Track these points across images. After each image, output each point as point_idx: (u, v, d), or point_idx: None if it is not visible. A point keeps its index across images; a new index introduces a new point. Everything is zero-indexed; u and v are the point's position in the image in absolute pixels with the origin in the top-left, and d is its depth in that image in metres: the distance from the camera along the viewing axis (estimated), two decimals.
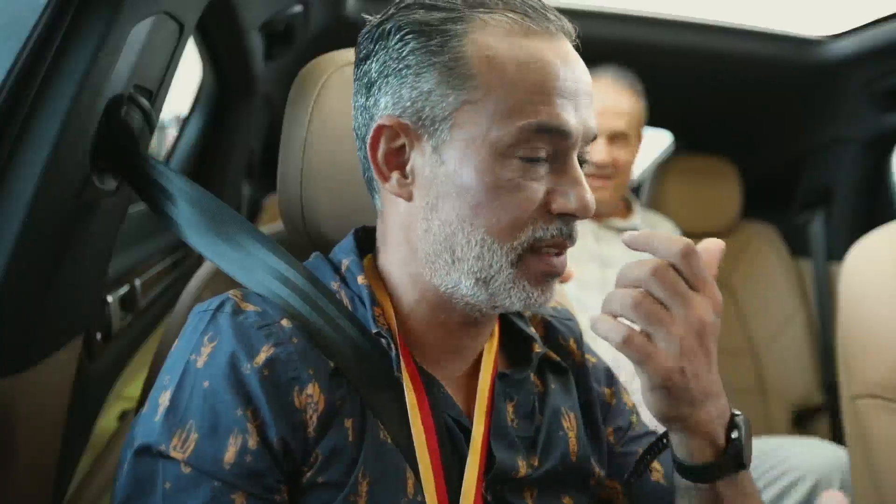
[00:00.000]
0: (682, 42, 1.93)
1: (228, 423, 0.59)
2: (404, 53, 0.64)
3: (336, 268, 0.72)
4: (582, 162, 0.67)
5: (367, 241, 0.74)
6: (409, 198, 0.66)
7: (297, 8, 1.51)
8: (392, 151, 0.66)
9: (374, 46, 0.66)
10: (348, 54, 0.86)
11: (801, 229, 2.25)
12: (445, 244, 0.64)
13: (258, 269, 0.71)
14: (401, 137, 0.65)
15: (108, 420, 1.24)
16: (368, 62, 0.67)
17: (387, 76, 0.65)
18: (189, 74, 1.57)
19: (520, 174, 0.62)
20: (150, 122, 0.87)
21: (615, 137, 1.69)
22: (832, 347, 1.87)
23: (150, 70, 0.89)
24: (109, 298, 1.06)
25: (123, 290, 1.13)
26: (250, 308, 0.64)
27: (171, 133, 1.78)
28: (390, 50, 0.65)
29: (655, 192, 2.32)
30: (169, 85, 0.97)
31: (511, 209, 0.63)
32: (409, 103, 0.64)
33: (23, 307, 0.75)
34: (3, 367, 0.74)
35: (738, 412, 0.64)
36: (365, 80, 0.67)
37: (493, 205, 0.62)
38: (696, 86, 2.15)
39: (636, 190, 2.66)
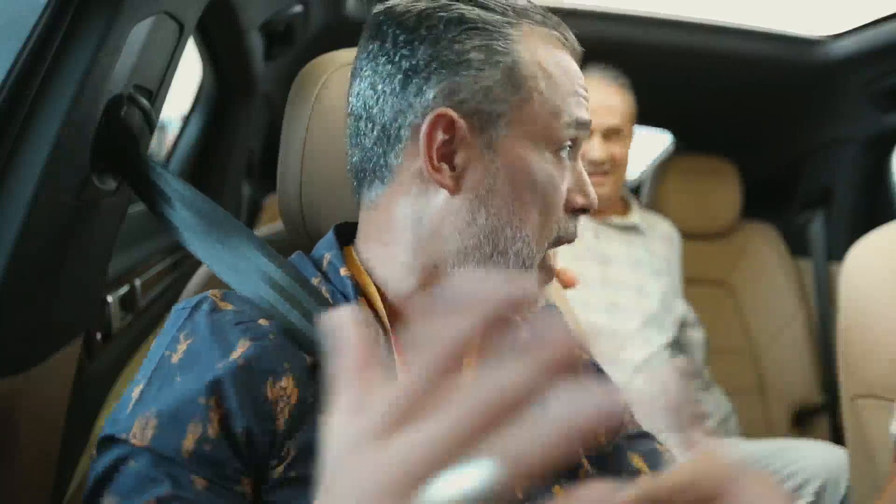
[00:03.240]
0: (683, 42, 1.93)
1: (190, 412, 0.59)
2: (466, 48, 0.65)
3: (317, 264, 0.72)
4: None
5: (347, 236, 0.74)
6: (455, 190, 0.66)
7: (297, 8, 1.51)
8: (443, 142, 0.66)
9: (423, 33, 0.65)
10: (348, 54, 0.86)
11: (801, 229, 2.25)
12: (490, 237, 0.66)
13: (248, 272, 0.71)
14: (452, 129, 0.65)
15: None
16: (409, 48, 0.65)
17: (440, 67, 0.65)
18: (189, 74, 1.57)
19: (564, 170, 0.68)
20: (150, 122, 0.87)
21: (610, 133, 1.70)
22: (832, 347, 1.87)
23: (150, 70, 0.89)
24: (109, 298, 1.06)
25: (123, 290, 1.13)
26: (228, 307, 0.65)
27: (172, 133, 1.78)
28: (446, 41, 0.65)
29: (655, 192, 2.32)
30: (169, 85, 0.97)
31: (553, 206, 0.67)
32: (466, 96, 0.65)
33: (23, 307, 0.75)
34: (3, 367, 0.74)
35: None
36: (404, 65, 0.66)
37: (544, 201, 0.66)
38: (696, 86, 2.15)
39: (636, 190, 2.65)
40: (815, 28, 1.91)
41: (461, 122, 0.65)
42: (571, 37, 0.71)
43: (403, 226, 0.68)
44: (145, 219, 1.30)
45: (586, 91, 0.70)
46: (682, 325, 1.89)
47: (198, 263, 0.85)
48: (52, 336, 0.83)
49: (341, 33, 1.19)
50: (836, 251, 2.05)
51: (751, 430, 1.99)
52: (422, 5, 0.67)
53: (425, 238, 0.68)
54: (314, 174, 0.82)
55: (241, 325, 0.63)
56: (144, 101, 0.86)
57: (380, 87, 0.67)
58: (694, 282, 2.10)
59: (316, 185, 0.83)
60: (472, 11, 0.66)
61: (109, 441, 0.60)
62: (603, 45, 1.88)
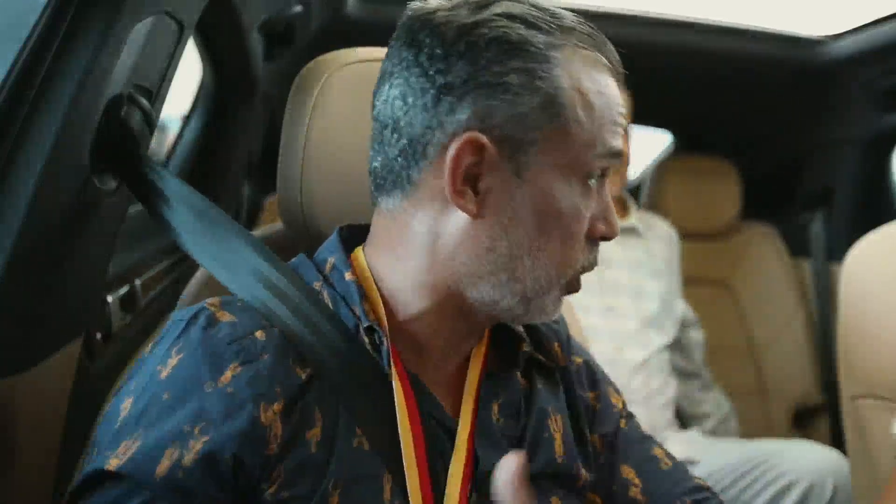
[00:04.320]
0: (683, 42, 1.93)
1: (171, 436, 0.58)
2: (505, 70, 0.62)
3: (319, 267, 0.71)
4: None
5: (351, 239, 0.73)
6: (477, 215, 0.64)
7: (297, 8, 1.51)
8: (467, 166, 0.63)
9: (461, 49, 0.62)
10: (348, 54, 0.86)
11: (801, 229, 2.25)
12: (508, 265, 0.64)
13: (244, 273, 0.71)
14: (482, 153, 0.63)
15: None
16: (445, 63, 0.63)
17: (476, 88, 0.62)
18: (189, 74, 1.57)
19: (590, 200, 0.66)
20: (150, 121, 0.87)
21: None
22: (832, 347, 1.87)
23: (150, 70, 0.89)
24: (109, 298, 1.06)
25: (123, 290, 1.13)
26: (226, 319, 0.63)
27: (172, 133, 1.78)
28: (485, 61, 0.62)
29: (655, 192, 2.32)
30: (169, 85, 0.97)
31: (577, 237, 0.66)
32: (500, 121, 0.62)
33: (23, 307, 0.75)
34: (3, 367, 0.74)
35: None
36: (439, 81, 0.63)
37: (568, 233, 0.65)
38: (696, 86, 2.15)
39: (636, 190, 2.66)
40: (815, 28, 1.91)
41: (491, 147, 0.62)
42: (616, 58, 0.68)
43: (420, 242, 0.66)
44: (145, 219, 1.30)
45: (624, 118, 0.68)
46: (683, 326, 1.89)
47: (198, 264, 0.85)
48: (52, 336, 0.83)
49: (341, 33, 1.19)
50: (836, 251, 2.05)
51: (751, 430, 1.99)
52: (462, 16, 0.63)
53: (440, 258, 0.66)
54: (314, 174, 0.82)
55: (234, 343, 0.61)
56: (144, 101, 0.86)
57: (410, 99, 0.64)
58: (694, 282, 2.10)
59: (316, 185, 0.82)
60: (516, 31, 0.62)
61: (93, 452, 0.60)
62: None
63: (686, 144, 2.58)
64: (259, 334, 0.63)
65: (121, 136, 0.81)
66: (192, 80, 1.61)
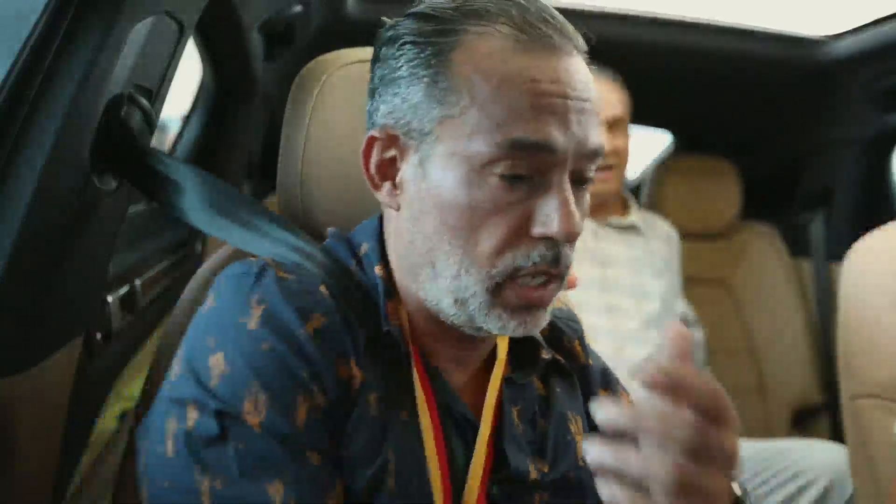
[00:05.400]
0: (682, 42, 1.93)
1: (297, 384, 0.58)
2: (400, 64, 0.64)
3: (354, 248, 0.71)
4: (584, 182, 0.64)
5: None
6: (398, 208, 0.66)
7: (297, 8, 1.51)
8: (384, 161, 0.66)
9: (380, 52, 0.67)
10: (348, 54, 0.86)
11: (801, 229, 2.25)
12: (427, 258, 0.64)
13: (280, 247, 0.72)
14: (392, 148, 0.65)
15: (108, 420, 1.24)
16: (374, 67, 0.68)
17: (385, 84, 0.65)
18: (189, 74, 1.57)
19: (499, 195, 0.60)
20: (150, 122, 0.87)
21: (613, 124, 1.70)
22: (832, 347, 1.87)
23: (150, 70, 0.89)
24: (109, 298, 1.06)
25: (123, 290, 1.13)
26: (289, 276, 0.63)
27: (172, 133, 1.78)
28: (390, 58, 0.65)
29: (655, 192, 2.32)
30: (169, 85, 0.97)
31: (488, 233, 0.61)
32: (400, 115, 0.64)
33: (23, 307, 0.75)
34: (3, 367, 0.74)
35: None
36: (371, 86, 0.68)
37: (471, 226, 0.61)
38: (695, 86, 2.15)
39: (636, 190, 2.65)
40: (815, 28, 1.91)
41: (394, 141, 0.65)
42: (551, 34, 0.61)
43: (390, 236, 0.69)
44: (145, 219, 1.30)
45: (569, 100, 0.61)
46: (683, 325, 1.89)
47: (198, 263, 0.85)
48: (52, 336, 0.83)
49: (341, 33, 1.19)
50: (836, 251, 2.05)
51: (751, 430, 1.99)
52: (392, 23, 0.67)
53: (396, 254, 0.68)
54: (314, 174, 0.82)
55: (310, 294, 0.62)
56: (144, 101, 0.86)
57: (367, 105, 0.69)
58: (694, 282, 2.10)
59: (316, 185, 0.83)
60: (408, 25, 0.65)
61: (218, 414, 0.57)
62: (603, 44, 1.88)
63: (686, 144, 2.58)
64: (323, 289, 0.63)
65: (121, 135, 0.81)
66: (192, 80, 1.61)
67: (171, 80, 0.97)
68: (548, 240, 0.61)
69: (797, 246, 2.27)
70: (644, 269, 1.78)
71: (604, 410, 0.51)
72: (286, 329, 0.59)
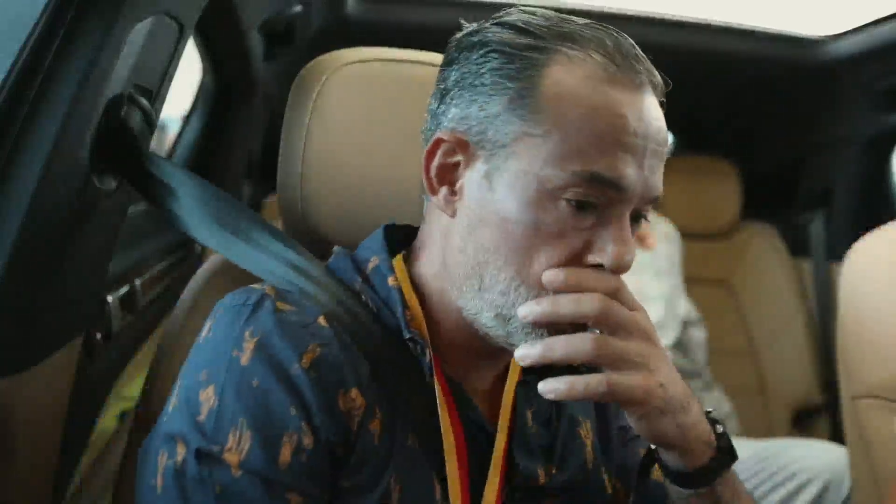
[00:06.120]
0: (682, 42, 1.93)
1: (283, 423, 0.58)
2: (483, 71, 0.62)
3: (360, 266, 0.70)
4: (639, 219, 0.65)
5: (396, 241, 0.72)
6: (453, 214, 0.65)
7: (297, 8, 1.51)
8: (446, 166, 0.65)
9: (458, 55, 0.65)
10: (348, 54, 0.86)
11: (801, 229, 2.25)
12: (476, 270, 0.63)
13: (275, 263, 0.71)
14: (458, 154, 0.64)
15: (108, 420, 1.24)
16: (449, 69, 0.66)
17: (462, 89, 0.64)
18: (189, 74, 1.57)
19: (566, 220, 0.60)
20: (150, 121, 0.87)
21: None
22: (832, 347, 1.87)
23: (150, 70, 0.89)
24: (109, 298, 1.06)
25: (123, 290, 1.13)
26: (287, 307, 0.63)
27: (172, 133, 1.78)
28: (471, 63, 0.64)
29: None
30: (169, 85, 0.97)
31: (546, 256, 0.61)
32: (474, 122, 0.63)
33: (23, 307, 0.75)
34: (3, 367, 0.74)
35: (706, 407, 0.66)
36: (442, 87, 0.66)
37: (530, 246, 0.61)
38: (695, 86, 2.14)
39: None
40: (815, 28, 1.91)
41: (463, 147, 0.63)
42: (640, 71, 0.61)
43: (434, 244, 0.68)
44: (145, 219, 1.30)
45: (646, 141, 0.60)
46: (684, 324, 1.89)
47: (198, 263, 0.85)
48: (52, 336, 0.83)
49: (341, 33, 1.19)
50: (836, 251, 2.05)
51: (751, 430, 1.99)
52: (474, 28, 0.66)
53: (440, 260, 0.67)
54: (314, 174, 0.82)
55: (306, 327, 0.61)
56: (144, 101, 0.86)
57: (430, 105, 0.68)
58: (694, 282, 2.10)
59: (316, 186, 0.83)
60: (498, 34, 0.63)
61: (197, 455, 0.57)
62: None
63: (686, 144, 2.58)
64: (322, 321, 0.63)
65: (121, 135, 0.81)
66: (192, 80, 1.61)
67: (171, 80, 0.97)
68: (598, 268, 0.61)
69: (797, 246, 2.27)
70: (646, 273, 1.78)
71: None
72: (279, 365, 0.59)
